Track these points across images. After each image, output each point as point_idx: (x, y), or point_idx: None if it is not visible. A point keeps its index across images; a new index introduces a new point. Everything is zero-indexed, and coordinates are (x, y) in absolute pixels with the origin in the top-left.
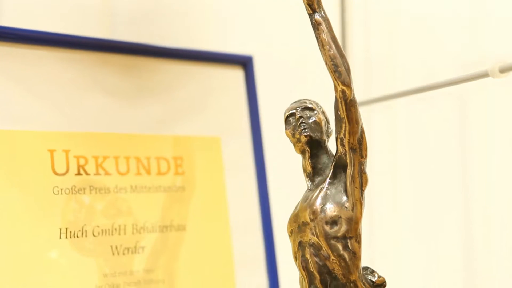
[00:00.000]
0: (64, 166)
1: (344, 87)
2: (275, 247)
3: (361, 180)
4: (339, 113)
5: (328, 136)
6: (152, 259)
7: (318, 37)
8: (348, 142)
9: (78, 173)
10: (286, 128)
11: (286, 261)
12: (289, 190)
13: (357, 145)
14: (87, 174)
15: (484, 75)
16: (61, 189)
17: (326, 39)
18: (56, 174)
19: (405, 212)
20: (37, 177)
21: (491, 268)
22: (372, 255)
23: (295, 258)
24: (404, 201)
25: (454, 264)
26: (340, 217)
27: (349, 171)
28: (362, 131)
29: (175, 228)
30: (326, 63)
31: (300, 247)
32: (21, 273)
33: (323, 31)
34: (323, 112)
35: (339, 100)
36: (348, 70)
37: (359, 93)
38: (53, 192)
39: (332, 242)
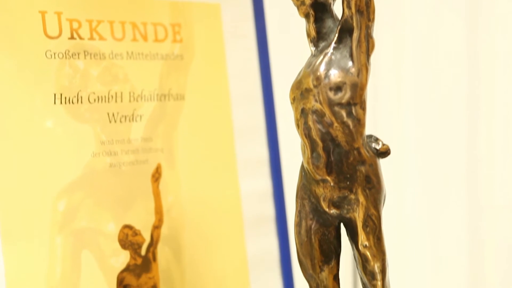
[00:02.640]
0: (56, 29)
1: None
2: (276, 116)
3: (368, 44)
4: None
5: None
6: (150, 127)
7: None
8: (355, 4)
9: (72, 37)
10: None
11: (287, 130)
12: (291, 57)
13: (364, 7)
14: (81, 38)
15: None
16: (54, 53)
17: None
18: (49, 37)
19: (409, 78)
20: (28, 40)
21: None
22: (375, 123)
23: (297, 125)
24: (409, 68)
25: (457, 129)
26: (345, 83)
27: (355, 35)
28: None
29: (173, 97)
30: None
31: (302, 114)
32: (15, 139)
33: None
34: None
35: None
36: None
37: None
38: (46, 56)
39: (336, 108)
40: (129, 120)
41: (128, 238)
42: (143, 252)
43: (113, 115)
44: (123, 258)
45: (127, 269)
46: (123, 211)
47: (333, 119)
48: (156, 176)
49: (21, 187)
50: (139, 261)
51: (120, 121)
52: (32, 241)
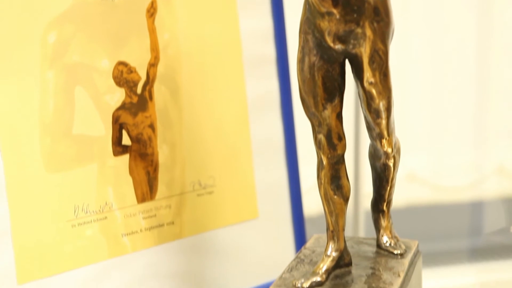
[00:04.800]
0: None
1: None
2: None
3: None
4: None
5: None
6: None
7: None
8: None
9: None
10: None
11: None
12: None
13: None
14: None
15: None
16: None
17: None
18: None
19: None
20: None
21: None
22: None
23: None
24: None
25: None
26: None
27: None
28: None
29: None
30: None
31: None
32: None
33: None
34: None
35: None
36: None
37: None
38: None
39: None
40: None
41: (123, 75)
42: (139, 90)
43: None
44: (118, 95)
45: (122, 107)
46: (117, 47)
47: None
48: (151, 11)
49: (9, 17)
50: (135, 99)
51: None
52: (22, 75)
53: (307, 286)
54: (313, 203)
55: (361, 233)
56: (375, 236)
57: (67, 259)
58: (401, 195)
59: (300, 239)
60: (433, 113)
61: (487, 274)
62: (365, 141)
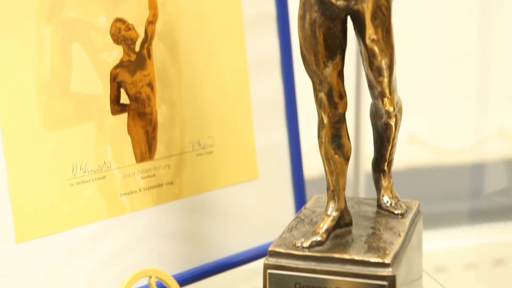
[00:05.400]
0: None
1: None
2: None
3: None
4: None
5: None
6: None
7: None
8: None
9: None
10: None
11: None
12: None
13: None
14: None
15: None
16: None
17: None
18: None
19: None
20: None
21: None
22: None
23: None
24: None
25: None
26: None
27: None
28: None
29: None
30: None
31: None
32: None
33: None
34: None
35: None
36: None
37: None
38: None
39: None
40: None
41: (120, 33)
42: (137, 48)
43: None
44: (116, 53)
45: (120, 65)
46: (114, 3)
47: None
48: None
49: None
50: (133, 57)
51: None
52: (18, 32)
53: (307, 245)
54: (313, 165)
55: (362, 195)
56: (375, 197)
57: (66, 218)
58: (402, 156)
59: (300, 199)
60: (435, 74)
61: (487, 236)
62: (366, 100)
